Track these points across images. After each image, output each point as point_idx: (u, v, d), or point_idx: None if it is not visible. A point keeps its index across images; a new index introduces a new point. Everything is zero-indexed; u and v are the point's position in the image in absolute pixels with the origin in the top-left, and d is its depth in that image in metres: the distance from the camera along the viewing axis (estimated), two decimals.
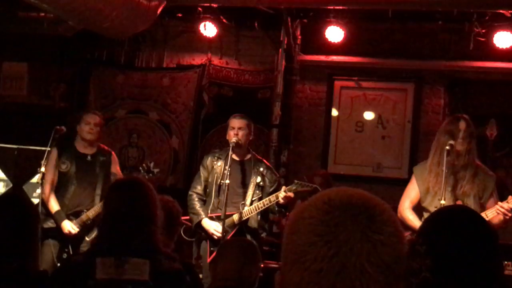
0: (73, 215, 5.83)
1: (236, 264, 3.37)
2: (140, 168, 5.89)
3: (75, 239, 5.76)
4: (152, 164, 5.84)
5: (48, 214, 5.76)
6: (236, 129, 5.72)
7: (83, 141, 5.99)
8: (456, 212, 2.40)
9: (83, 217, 5.79)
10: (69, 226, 5.74)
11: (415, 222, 4.93)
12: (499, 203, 4.80)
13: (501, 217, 4.79)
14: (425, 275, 2.15)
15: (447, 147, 4.88)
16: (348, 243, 1.24)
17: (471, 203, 4.91)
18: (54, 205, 5.79)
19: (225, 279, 3.35)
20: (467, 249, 2.12)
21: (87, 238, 5.79)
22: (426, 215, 4.89)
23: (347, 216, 1.26)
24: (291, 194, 5.47)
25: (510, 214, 4.75)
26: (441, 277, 2.12)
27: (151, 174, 5.77)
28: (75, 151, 5.96)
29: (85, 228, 5.81)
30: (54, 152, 5.87)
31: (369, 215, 1.27)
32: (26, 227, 2.97)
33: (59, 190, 5.87)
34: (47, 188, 5.76)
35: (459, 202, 4.97)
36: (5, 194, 3.53)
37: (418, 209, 5.12)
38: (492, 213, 4.80)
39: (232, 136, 5.69)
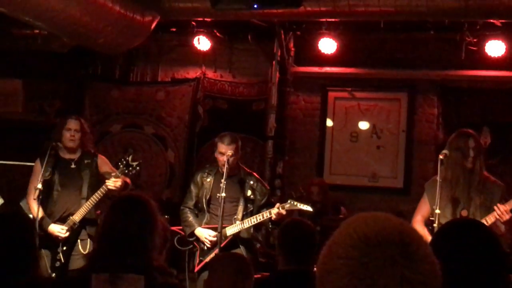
0: (60, 221, 5.72)
1: (229, 280, 3.38)
2: (119, 163, 5.74)
3: (66, 244, 5.68)
4: (130, 158, 5.75)
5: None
6: (225, 156, 5.67)
7: (65, 148, 5.85)
8: (463, 225, 2.42)
9: (69, 221, 5.69)
10: (58, 229, 5.66)
11: (422, 234, 4.99)
12: (498, 204, 4.85)
13: (501, 220, 4.85)
14: None
15: (441, 157, 4.96)
16: (388, 286, 1.23)
17: (478, 213, 4.98)
18: (39, 212, 5.61)
19: None
20: (473, 261, 2.15)
21: (80, 249, 5.75)
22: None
23: (386, 257, 1.24)
24: (283, 212, 5.49)
25: (507, 216, 4.81)
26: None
27: (130, 168, 5.71)
28: (58, 158, 5.82)
29: (73, 233, 5.71)
30: (38, 162, 5.80)
31: (407, 253, 1.25)
32: (26, 241, 3.00)
33: (44, 197, 5.69)
34: (33, 200, 5.63)
35: (464, 212, 5.03)
36: (3, 211, 3.54)
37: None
38: (491, 218, 4.87)
39: (222, 163, 5.64)
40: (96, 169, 5.87)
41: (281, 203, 5.66)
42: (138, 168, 5.78)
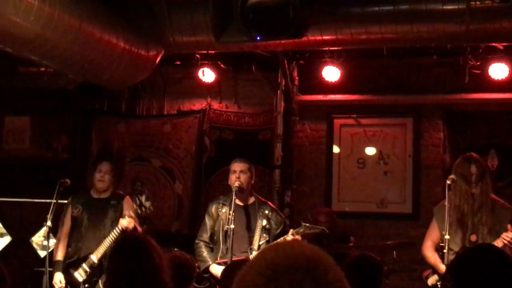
0: (84, 260, 5.89)
1: None
2: (134, 205, 5.96)
3: (88, 283, 5.83)
4: (143, 198, 5.90)
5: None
6: (238, 173, 5.77)
7: (95, 188, 6.15)
8: (481, 250, 2.43)
9: (89, 260, 5.84)
10: (57, 279, 5.85)
11: (433, 259, 5.07)
12: (505, 233, 4.84)
13: (509, 246, 4.83)
14: None
15: (448, 182, 4.97)
16: None
17: (487, 237, 4.97)
18: (58, 254, 5.93)
19: None
20: (490, 285, 2.16)
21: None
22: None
23: (293, 283, 1.24)
24: (298, 237, 5.49)
25: None
26: None
27: (144, 208, 5.85)
28: (89, 197, 6.14)
29: (93, 272, 5.85)
30: (69, 202, 6.10)
31: (315, 279, 1.25)
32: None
33: (72, 234, 6.01)
34: (60, 237, 5.93)
35: (473, 237, 5.03)
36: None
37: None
38: (499, 244, 4.85)
39: (234, 180, 5.73)
40: (120, 211, 6.06)
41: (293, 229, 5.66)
42: (151, 208, 5.93)
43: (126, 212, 5.97)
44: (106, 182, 6.09)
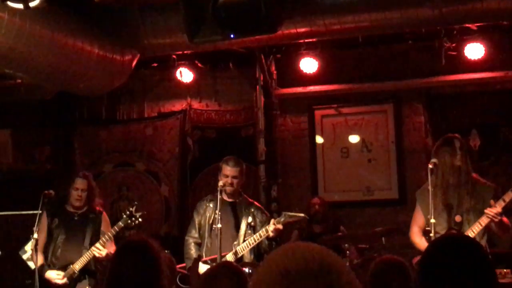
0: (61, 269, 5.88)
1: None
2: (124, 215, 5.94)
3: None
4: (134, 209, 5.90)
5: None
6: (231, 178, 5.75)
7: (71, 204, 6.08)
8: (448, 241, 2.42)
9: (69, 270, 5.84)
10: (54, 275, 5.82)
11: (422, 245, 5.10)
12: (488, 208, 4.88)
13: (494, 222, 4.87)
14: None
15: (430, 166, 4.99)
16: None
17: (471, 217, 5.01)
18: (39, 260, 5.85)
19: None
20: (459, 276, 2.16)
21: None
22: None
23: None
24: (280, 226, 5.50)
25: (498, 217, 4.84)
26: None
27: (133, 218, 5.86)
28: (65, 210, 6.06)
29: (73, 282, 5.86)
30: (44, 215, 5.99)
31: (329, 283, 1.26)
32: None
33: (48, 247, 5.96)
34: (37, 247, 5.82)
35: (458, 218, 5.06)
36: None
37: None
38: (484, 220, 4.89)
39: (227, 185, 5.71)
40: (99, 225, 6.07)
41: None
42: (140, 219, 5.91)
43: (104, 229, 6.01)
44: (83, 200, 6.04)
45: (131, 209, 5.95)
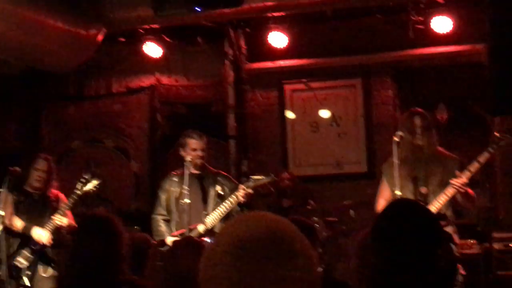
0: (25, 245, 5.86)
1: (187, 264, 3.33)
2: (79, 182, 5.87)
3: (30, 268, 5.77)
4: (89, 176, 5.85)
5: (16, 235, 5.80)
6: (200, 151, 5.71)
7: (30, 185, 5.99)
8: (396, 207, 2.46)
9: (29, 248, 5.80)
10: (41, 232, 5.80)
11: None
12: (454, 179, 4.92)
13: (459, 192, 4.92)
14: (374, 268, 2.22)
15: (396, 138, 5.01)
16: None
17: (437, 188, 5.05)
18: (18, 223, 5.81)
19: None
20: (406, 240, 2.18)
21: (41, 272, 5.80)
22: None
23: (260, 258, 1.25)
24: (250, 191, 5.50)
25: (464, 188, 4.88)
26: (387, 269, 2.18)
27: (90, 185, 5.81)
28: (24, 190, 5.97)
29: (35, 257, 5.82)
30: (7, 192, 5.88)
31: (281, 252, 1.26)
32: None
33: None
34: (8, 220, 5.73)
35: (424, 189, 5.10)
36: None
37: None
38: (450, 191, 4.94)
39: (195, 158, 5.68)
40: (57, 206, 5.98)
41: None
42: (98, 187, 5.85)
43: (61, 207, 5.95)
44: (42, 182, 5.97)
45: (86, 176, 5.88)
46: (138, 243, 4.19)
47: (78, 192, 5.82)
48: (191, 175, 5.68)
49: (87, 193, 5.90)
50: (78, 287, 2.99)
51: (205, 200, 5.76)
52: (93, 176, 5.89)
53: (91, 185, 5.86)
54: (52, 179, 6.08)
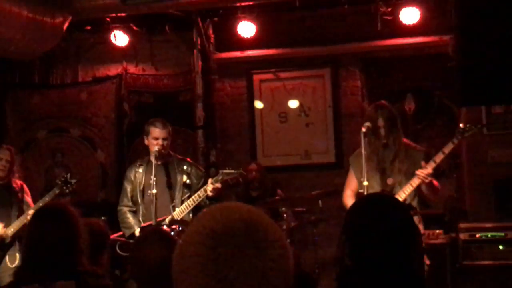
0: None
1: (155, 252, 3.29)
2: (58, 181, 5.89)
3: None
4: (68, 175, 5.85)
5: None
6: (161, 140, 5.65)
7: None
8: (368, 200, 2.46)
9: (2, 233, 5.77)
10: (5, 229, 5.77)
11: None
12: (419, 169, 4.96)
13: (424, 183, 4.96)
14: (346, 262, 2.21)
15: (364, 129, 5.03)
16: (239, 278, 1.24)
17: (403, 179, 5.09)
18: None
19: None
20: (378, 233, 2.18)
21: (8, 263, 5.72)
22: None
23: (234, 249, 1.25)
24: (218, 185, 5.47)
25: (429, 178, 4.92)
26: (359, 263, 2.18)
27: (69, 185, 5.80)
28: None
29: (3, 248, 5.79)
30: None
31: (255, 242, 1.27)
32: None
33: None
34: None
35: (390, 180, 5.13)
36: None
37: None
38: (415, 181, 4.98)
39: (157, 146, 5.63)
40: (22, 196, 6.01)
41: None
42: (75, 186, 5.87)
43: (27, 199, 5.98)
44: (5, 171, 5.93)
45: (65, 175, 5.88)
46: (95, 231, 4.11)
47: (56, 191, 5.83)
48: (156, 164, 5.63)
49: (63, 193, 5.88)
50: (33, 278, 2.95)
51: (170, 187, 5.71)
52: (72, 176, 5.89)
53: (70, 185, 5.85)
54: (14, 169, 6.03)
